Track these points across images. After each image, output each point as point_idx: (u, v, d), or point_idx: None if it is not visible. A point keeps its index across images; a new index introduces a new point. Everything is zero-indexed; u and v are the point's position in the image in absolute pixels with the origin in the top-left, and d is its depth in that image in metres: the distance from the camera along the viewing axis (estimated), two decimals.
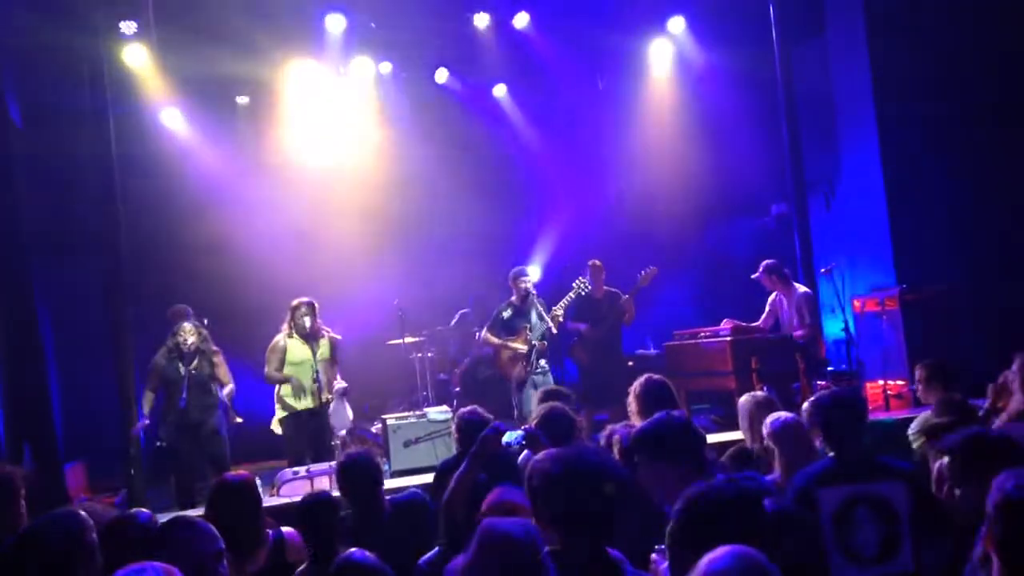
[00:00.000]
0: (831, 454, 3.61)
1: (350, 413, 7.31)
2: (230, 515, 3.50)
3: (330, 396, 7.08)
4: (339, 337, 7.43)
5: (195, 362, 6.84)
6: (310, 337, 7.03)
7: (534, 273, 8.73)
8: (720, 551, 1.83)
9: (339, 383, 7.17)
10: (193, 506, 6.37)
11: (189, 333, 6.86)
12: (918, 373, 5.18)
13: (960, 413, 4.18)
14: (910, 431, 4.99)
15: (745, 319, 7.95)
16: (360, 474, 4.11)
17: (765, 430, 4.09)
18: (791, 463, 3.90)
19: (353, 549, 3.06)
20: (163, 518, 3.48)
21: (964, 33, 8.39)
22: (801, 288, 7.91)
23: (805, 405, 4.16)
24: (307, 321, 6.98)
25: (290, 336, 7.08)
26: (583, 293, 7.68)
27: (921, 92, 8.52)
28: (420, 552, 3.74)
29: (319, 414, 7.11)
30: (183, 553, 2.73)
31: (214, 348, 7.07)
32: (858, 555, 2.44)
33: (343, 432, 7.25)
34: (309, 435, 7.17)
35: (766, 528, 2.09)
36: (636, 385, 4.59)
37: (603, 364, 7.95)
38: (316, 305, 7.13)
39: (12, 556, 3.00)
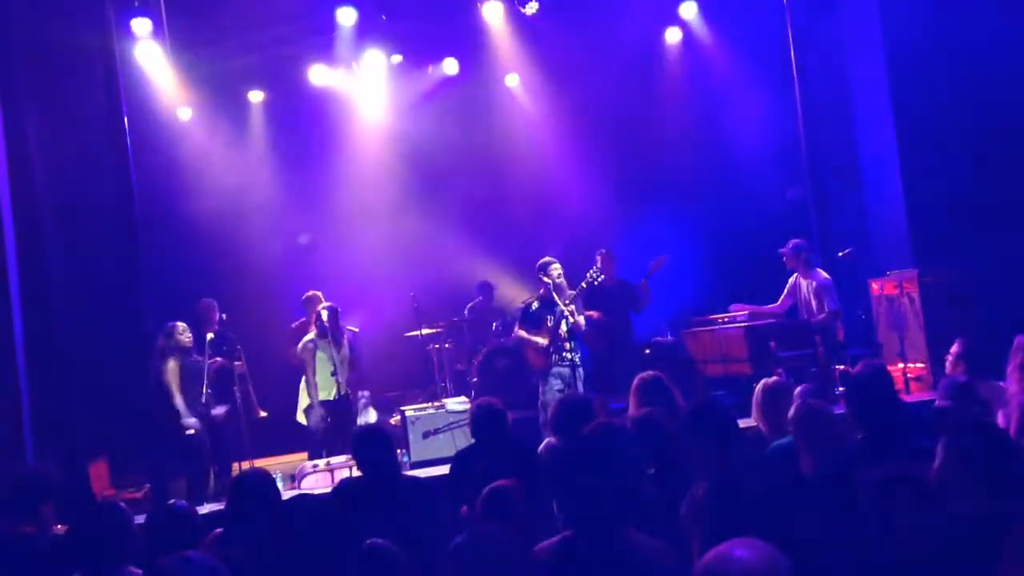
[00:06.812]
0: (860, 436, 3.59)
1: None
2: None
3: (348, 390, 7.63)
4: (356, 330, 7.70)
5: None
6: (332, 338, 7.55)
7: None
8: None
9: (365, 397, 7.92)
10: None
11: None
12: (954, 347, 5.15)
13: (961, 397, 4.17)
14: None
15: (760, 303, 7.90)
16: (371, 441, 4.24)
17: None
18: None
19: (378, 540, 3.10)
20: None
21: (982, 15, 8.27)
22: (822, 274, 7.84)
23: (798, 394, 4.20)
24: (329, 324, 7.56)
25: (320, 337, 7.62)
26: (595, 283, 7.69)
27: (938, 71, 8.41)
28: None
29: (340, 405, 7.60)
30: None
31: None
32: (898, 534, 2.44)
33: None
34: (333, 424, 7.59)
35: None
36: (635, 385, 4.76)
37: (613, 351, 8.01)
38: (337, 309, 7.73)
39: (70, 542, 3.29)
